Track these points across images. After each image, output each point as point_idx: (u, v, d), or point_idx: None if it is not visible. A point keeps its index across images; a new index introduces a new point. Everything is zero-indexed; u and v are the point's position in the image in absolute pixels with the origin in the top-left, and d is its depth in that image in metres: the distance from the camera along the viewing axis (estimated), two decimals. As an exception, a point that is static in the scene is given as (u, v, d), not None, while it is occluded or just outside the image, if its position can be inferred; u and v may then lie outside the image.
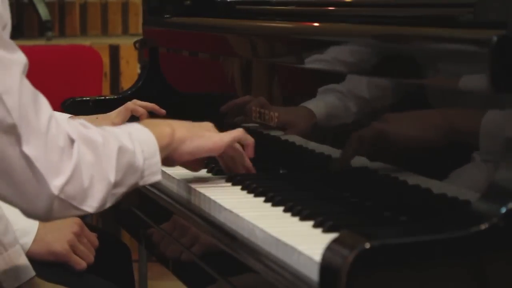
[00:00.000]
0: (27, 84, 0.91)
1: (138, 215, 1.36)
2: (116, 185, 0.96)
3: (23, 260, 1.14)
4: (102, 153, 0.94)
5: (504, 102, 0.79)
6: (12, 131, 0.87)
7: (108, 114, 1.53)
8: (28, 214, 0.93)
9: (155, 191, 1.24)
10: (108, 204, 0.97)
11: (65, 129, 0.92)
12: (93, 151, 0.93)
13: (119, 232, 2.76)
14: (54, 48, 2.96)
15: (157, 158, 1.02)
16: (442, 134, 0.92)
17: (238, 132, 1.16)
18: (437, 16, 1.02)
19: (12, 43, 0.92)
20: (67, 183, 0.89)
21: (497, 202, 0.73)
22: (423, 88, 0.94)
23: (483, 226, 0.71)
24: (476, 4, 0.87)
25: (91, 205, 0.94)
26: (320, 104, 1.19)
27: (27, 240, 1.24)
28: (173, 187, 1.23)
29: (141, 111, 1.49)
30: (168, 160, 1.09)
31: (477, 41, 0.82)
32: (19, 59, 0.91)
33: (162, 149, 1.03)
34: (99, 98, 1.85)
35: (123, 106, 1.52)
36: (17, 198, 0.90)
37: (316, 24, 1.28)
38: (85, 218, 2.82)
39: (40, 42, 3.01)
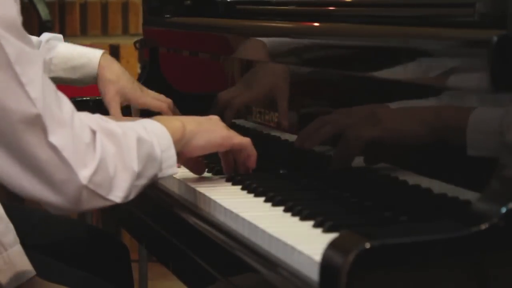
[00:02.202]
0: (47, 78, 0.92)
1: (138, 215, 1.36)
2: (138, 176, 0.98)
3: (24, 260, 1.14)
4: (123, 144, 0.96)
5: (504, 102, 0.79)
6: (37, 122, 0.88)
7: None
8: (56, 206, 0.94)
9: (156, 191, 1.24)
10: (132, 196, 0.99)
11: (87, 121, 0.94)
12: (114, 142, 0.95)
13: (119, 233, 2.76)
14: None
15: (173, 151, 1.04)
16: (442, 134, 0.92)
17: (246, 141, 1.16)
18: (437, 16, 1.02)
19: (31, 40, 0.93)
20: (94, 173, 0.91)
21: (497, 202, 0.73)
22: (422, 87, 0.94)
23: (483, 226, 0.71)
24: (476, 4, 0.87)
25: (117, 195, 0.95)
26: None
27: None
28: (174, 187, 1.23)
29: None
30: (180, 154, 1.10)
31: (477, 41, 0.83)
32: (39, 54, 0.95)
33: (175, 142, 1.05)
34: (99, 98, 1.85)
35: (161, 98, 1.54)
36: (45, 191, 0.91)
37: (316, 24, 1.28)
38: (86, 218, 2.83)
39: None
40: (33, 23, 3.29)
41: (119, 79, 1.51)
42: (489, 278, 0.74)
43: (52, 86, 0.93)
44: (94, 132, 0.93)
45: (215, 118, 1.17)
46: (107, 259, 1.54)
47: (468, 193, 0.84)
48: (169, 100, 1.54)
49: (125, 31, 3.62)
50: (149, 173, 1.00)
